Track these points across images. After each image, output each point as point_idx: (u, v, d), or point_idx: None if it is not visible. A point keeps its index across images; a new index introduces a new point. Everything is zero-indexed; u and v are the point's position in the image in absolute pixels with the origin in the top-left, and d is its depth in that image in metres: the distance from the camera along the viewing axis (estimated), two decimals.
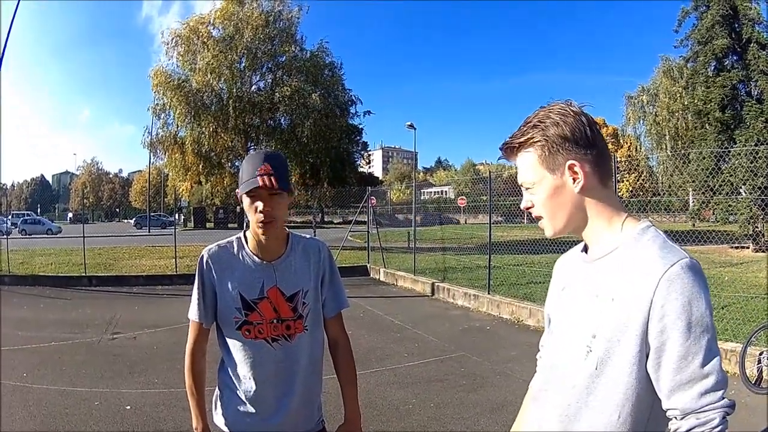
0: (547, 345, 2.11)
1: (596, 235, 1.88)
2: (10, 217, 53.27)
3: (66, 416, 6.90)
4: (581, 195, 1.82)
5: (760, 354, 7.88)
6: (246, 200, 2.63)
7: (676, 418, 1.63)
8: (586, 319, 1.80)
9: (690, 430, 1.59)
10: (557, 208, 1.86)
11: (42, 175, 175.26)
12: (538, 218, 1.92)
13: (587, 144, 1.80)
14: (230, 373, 2.81)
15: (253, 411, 2.76)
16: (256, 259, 2.79)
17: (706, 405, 1.58)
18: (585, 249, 1.99)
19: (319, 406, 3.00)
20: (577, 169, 1.79)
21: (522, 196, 1.98)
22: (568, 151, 1.80)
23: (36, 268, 21.25)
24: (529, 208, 1.93)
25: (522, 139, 1.85)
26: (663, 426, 1.73)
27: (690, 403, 1.59)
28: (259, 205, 2.60)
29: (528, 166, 1.87)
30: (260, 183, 2.55)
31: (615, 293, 1.72)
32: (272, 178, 2.58)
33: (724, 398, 1.59)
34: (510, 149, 1.91)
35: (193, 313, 2.82)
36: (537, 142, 1.82)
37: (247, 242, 2.83)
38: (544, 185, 1.85)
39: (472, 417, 7.02)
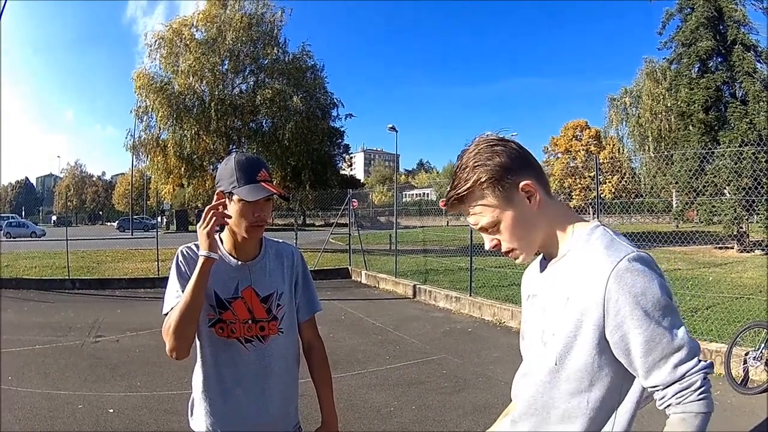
0: (523, 352, 2.16)
1: (553, 243, 1.93)
2: None
3: (50, 419, 6.91)
4: (539, 210, 1.86)
5: (746, 354, 7.89)
6: (239, 204, 2.60)
7: (659, 390, 1.71)
8: (546, 320, 1.89)
9: (675, 394, 1.67)
10: (526, 234, 1.89)
11: (26, 178, 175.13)
12: (509, 252, 1.92)
13: (526, 162, 1.87)
14: (204, 374, 2.77)
15: (229, 413, 2.73)
16: (232, 259, 2.78)
17: (685, 373, 1.66)
18: (544, 257, 2.04)
19: (295, 410, 2.98)
20: (530, 187, 1.83)
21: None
22: (515, 175, 1.82)
23: (20, 271, 21.25)
24: (496, 246, 1.93)
25: (468, 185, 1.84)
26: (634, 402, 1.84)
27: (668, 376, 1.67)
28: (258, 211, 2.64)
29: (483, 209, 1.87)
30: (273, 191, 2.62)
31: (569, 293, 1.80)
32: (273, 185, 2.66)
33: (700, 362, 1.68)
34: (458, 200, 1.88)
35: (168, 307, 2.68)
36: (485, 181, 1.81)
37: (222, 243, 2.81)
38: (506, 220, 1.86)
39: (454, 419, 7.02)
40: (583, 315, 1.73)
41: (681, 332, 1.66)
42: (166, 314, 2.69)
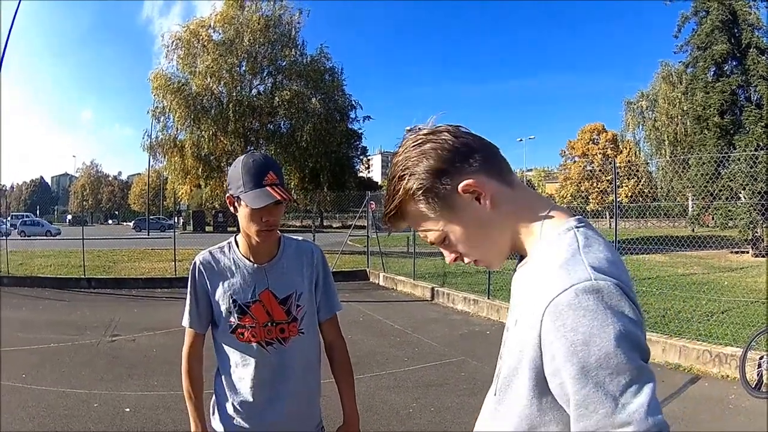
0: None
1: (521, 244, 1.56)
2: (9, 218, 53.30)
3: (65, 417, 6.90)
4: (494, 211, 1.50)
5: (761, 358, 7.90)
6: (247, 209, 2.56)
7: None
8: (504, 339, 1.59)
9: None
10: (485, 241, 1.55)
11: (41, 177, 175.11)
12: (475, 262, 1.60)
13: (465, 154, 1.50)
14: (226, 377, 2.82)
15: (249, 415, 2.77)
16: (248, 262, 2.79)
17: None
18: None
19: (318, 411, 3.00)
20: (473, 187, 1.47)
21: None
22: (451, 176, 1.48)
23: (35, 269, 21.25)
24: (457, 259, 1.61)
25: (399, 199, 1.53)
26: None
27: None
28: (266, 216, 2.59)
29: (424, 223, 1.55)
30: (277, 197, 2.51)
31: (518, 315, 1.47)
32: (281, 189, 2.57)
33: None
34: (396, 216, 1.58)
35: (185, 321, 2.86)
36: (415, 191, 1.49)
37: (238, 246, 2.83)
38: (455, 231, 1.53)
39: (472, 422, 6.83)
40: (524, 348, 1.38)
41: (635, 404, 1.20)
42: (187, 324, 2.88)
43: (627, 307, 1.26)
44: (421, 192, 1.48)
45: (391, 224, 1.61)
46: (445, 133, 1.51)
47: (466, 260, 1.59)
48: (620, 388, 1.20)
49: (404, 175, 1.50)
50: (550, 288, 1.29)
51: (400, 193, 1.51)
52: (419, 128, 1.56)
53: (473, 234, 1.52)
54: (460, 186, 1.45)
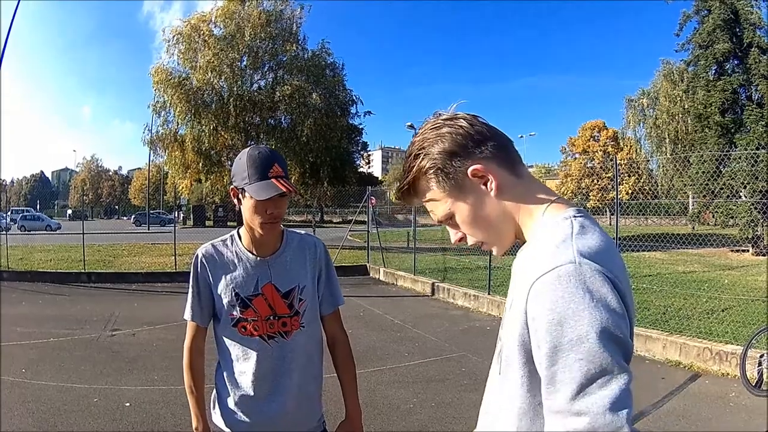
0: None
1: (525, 231, 1.61)
2: (9, 213, 53.26)
3: (64, 413, 6.89)
4: (499, 198, 1.58)
5: (761, 356, 7.92)
6: (251, 201, 2.57)
7: None
8: (502, 320, 1.65)
9: None
10: (488, 225, 1.61)
11: (41, 172, 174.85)
12: (479, 244, 1.67)
13: (478, 141, 1.57)
14: (227, 371, 2.81)
15: (250, 409, 2.76)
16: (251, 255, 2.78)
17: None
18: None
19: (320, 404, 2.99)
20: (482, 172, 1.55)
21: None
22: (462, 160, 1.56)
23: (35, 264, 21.30)
24: (462, 239, 1.69)
25: (412, 175, 1.63)
26: None
27: None
28: (271, 208, 2.59)
29: (434, 200, 1.64)
30: (283, 189, 2.53)
31: (513, 296, 1.52)
32: (286, 181, 2.58)
33: None
34: (408, 192, 1.67)
35: (187, 314, 2.85)
36: (428, 169, 1.59)
37: (241, 239, 2.82)
38: (461, 211, 1.61)
39: (473, 417, 6.81)
40: (515, 326, 1.42)
41: (597, 395, 1.20)
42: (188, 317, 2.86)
43: (610, 295, 1.28)
44: (432, 171, 1.59)
45: (403, 199, 1.71)
46: (462, 120, 1.59)
47: (470, 241, 1.67)
48: (587, 376, 1.21)
49: (419, 154, 1.60)
50: (537, 269, 1.36)
51: (414, 170, 1.62)
52: (440, 113, 1.65)
53: (477, 216, 1.60)
54: (470, 170, 1.54)
